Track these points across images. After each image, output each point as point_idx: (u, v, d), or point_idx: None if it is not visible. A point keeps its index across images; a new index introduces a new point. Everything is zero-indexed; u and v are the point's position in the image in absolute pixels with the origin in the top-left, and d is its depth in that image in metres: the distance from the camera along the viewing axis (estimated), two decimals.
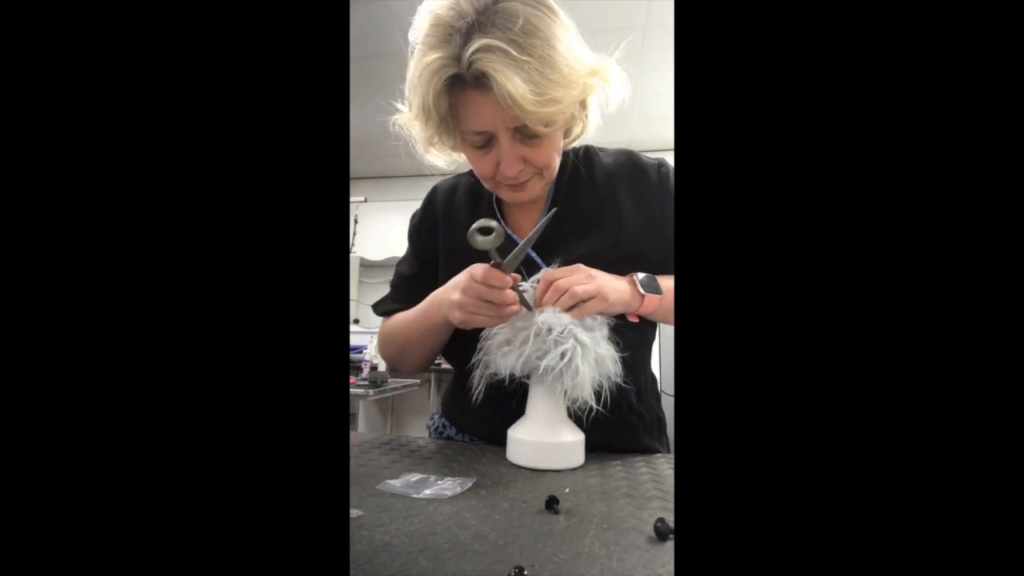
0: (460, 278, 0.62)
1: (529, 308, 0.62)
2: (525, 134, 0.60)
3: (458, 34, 0.56)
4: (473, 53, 0.54)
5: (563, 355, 0.59)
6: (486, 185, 0.71)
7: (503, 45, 0.53)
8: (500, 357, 0.63)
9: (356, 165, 4.12)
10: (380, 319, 0.86)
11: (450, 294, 0.63)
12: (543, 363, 0.59)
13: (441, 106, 0.60)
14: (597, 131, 0.72)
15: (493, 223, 0.56)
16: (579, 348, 0.59)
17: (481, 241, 0.56)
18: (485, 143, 0.63)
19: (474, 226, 0.57)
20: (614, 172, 0.75)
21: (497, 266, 0.59)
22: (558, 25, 0.57)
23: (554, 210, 0.62)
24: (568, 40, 0.58)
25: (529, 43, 0.54)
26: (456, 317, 0.63)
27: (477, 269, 0.59)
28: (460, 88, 0.59)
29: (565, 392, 0.60)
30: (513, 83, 0.53)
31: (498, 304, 0.59)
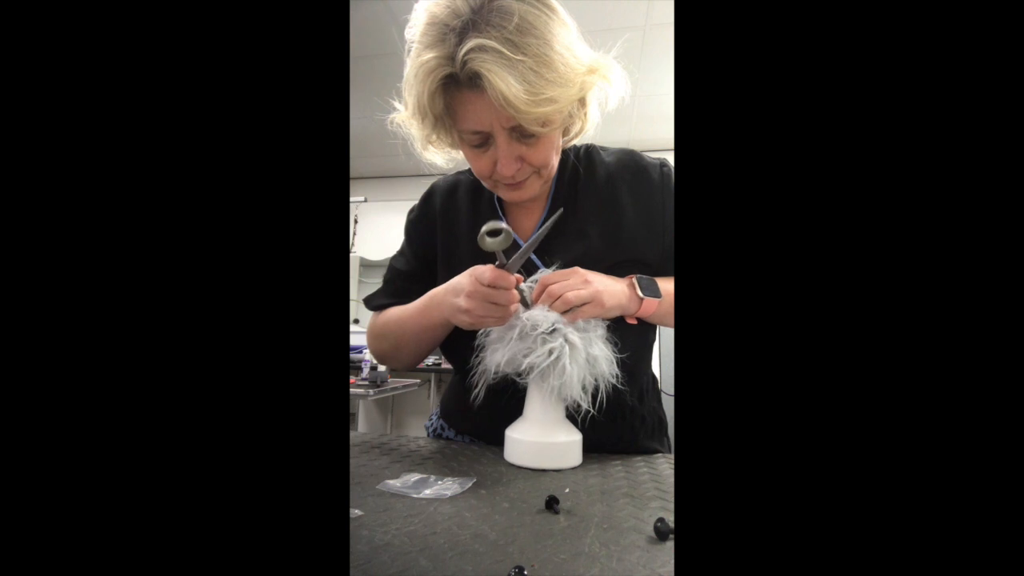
0: (462, 282, 0.62)
1: (527, 307, 0.62)
2: (522, 133, 0.60)
3: (453, 33, 0.55)
4: (466, 53, 0.54)
5: (550, 353, 0.59)
6: (484, 184, 0.71)
7: (496, 45, 0.53)
8: (490, 354, 0.63)
9: (356, 165, 4.12)
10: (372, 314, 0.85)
11: (452, 298, 0.63)
12: (527, 360, 0.59)
13: (436, 105, 0.60)
14: (597, 130, 0.71)
15: (502, 225, 0.56)
16: (567, 347, 0.59)
17: (490, 243, 0.56)
18: (482, 142, 0.63)
19: (484, 228, 0.56)
20: (615, 172, 0.75)
21: (502, 266, 0.59)
22: (556, 23, 0.57)
23: (559, 211, 0.62)
24: (566, 38, 0.57)
25: (524, 42, 0.54)
26: (463, 321, 0.63)
27: (483, 272, 0.59)
28: (456, 88, 0.59)
29: (552, 391, 0.60)
30: (506, 83, 0.53)
31: (504, 305, 0.59)
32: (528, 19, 0.55)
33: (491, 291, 0.58)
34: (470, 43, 0.54)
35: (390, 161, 3.99)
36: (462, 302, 0.61)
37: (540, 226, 0.73)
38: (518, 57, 0.53)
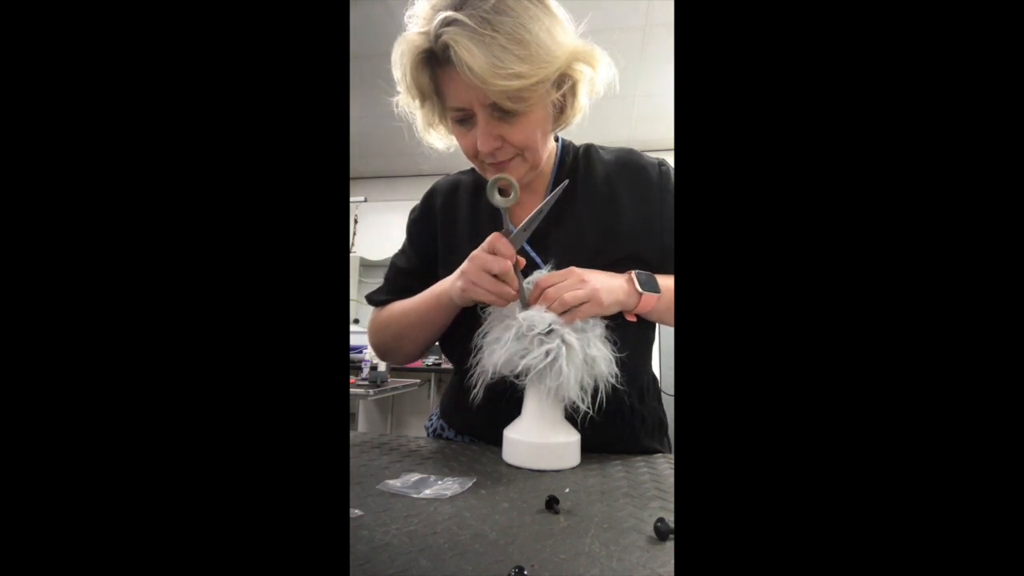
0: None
1: (525, 305, 0.62)
2: (502, 111, 0.61)
3: (436, 14, 0.58)
4: (439, 27, 0.57)
5: (547, 354, 0.59)
6: (473, 164, 0.72)
7: (468, 20, 0.56)
8: (487, 355, 0.63)
9: (356, 165, 4.11)
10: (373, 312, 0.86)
11: (456, 273, 0.66)
12: (524, 362, 0.59)
13: (421, 81, 0.63)
14: (594, 125, 0.72)
15: (514, 181, 0.57)
16: (564, 349, 0.59)
17: (499, 199, 0.57)
18: (465, 119, 0.65)
19: (492, 179, 0.57)
20: (614, 169, 0.75)
21: (507, 235, 0.60)
22: (538, 9, 0.59)
23: (565, 182, 0.63)
24: (548, 23, 0.59)
25: (498, 20, 0.56)
26: (457, 287, 0.64)
27: (487, 239, 0.61)
28: (439, 66, 0.62)
29: (549, 392, 0.60)
30: (471, 54, 0.55)
31: (499, 274, 0.60)
32: (507, 2, 0.57)
33: (488, 257, 0.60)
34: (443, 16, 0.57)
35: (390, 161, 3.99)
36: (463, 264, 0.63)
37: (537, 215, 0.74)
38: (488, 32, 0.56)
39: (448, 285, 0.67)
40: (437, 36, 0.58)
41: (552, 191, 0.75)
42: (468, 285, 0.62)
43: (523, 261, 0.62)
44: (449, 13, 0.56)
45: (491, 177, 0.70)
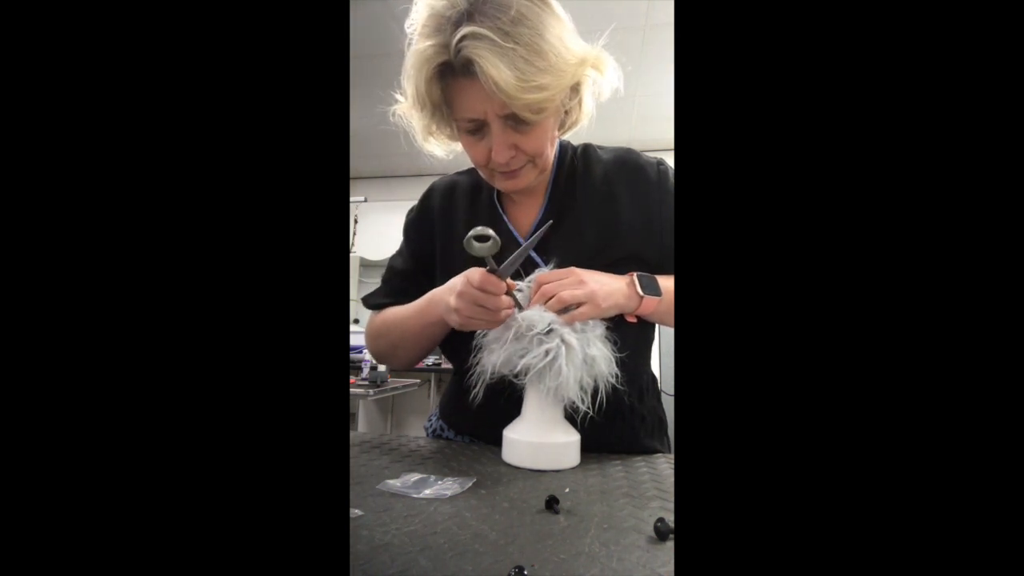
0: (457, 281, 0.63)
1: (522, 310, 0.62)
2: (517, 121, 0.61)
3: (449, 23, 0.57)
4: (460, 41, 0.56)
5: (546, 354, 0.59)
6: (481, 173, 0.72)
7: (489, 33, 0.55)
8: (487, 355, 0.63)
9: (356, 165, 4.11)
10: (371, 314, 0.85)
11: (447, 297, 0.64)
12: (523, 361, 0.59)
13: (433, 93, 0.62)
14: (594, 125, 0.72)
15: (490, 231, 0.57)
16: (563, 348, 0.59)
17: (478, 248, 0.56)
18: (477, 130, 0.64)
19: (471, 233, 0.56)
20: (612, 169, 0.75)
21: (493, 272, 0.59)
22: (548, 15, 0.58)
23: (549, 223, 0.63)
24: (558, 30, 0.59)
25: (517, 31, 0.55)
26: (453, 320, 0.64)
27: (474, 274, 0.60)
28: (452, 76, 0.61)
29: (548, 391, 0.59)
30: (498, 70, 0.55)
31: (492, 309, 0.59)
32: (522, 11, 0.56)
33: (479, 294, 0.59)
34: (464, 31, 0.56)
35: (390, 161, 3.99)
36: (452, 300, 0.62)
37: (536, 227, 0.74)
38: (510, 45, 0.55)
39: (442, 311, 0.66)
40: (457, 50, 0.57)
41: (551, 191, 0.75)
42: (465, 320, 0.62)
43: (514, 284, 0.61)
44: (471, 28, 0.55)
45: (500, 185, 0.71)
